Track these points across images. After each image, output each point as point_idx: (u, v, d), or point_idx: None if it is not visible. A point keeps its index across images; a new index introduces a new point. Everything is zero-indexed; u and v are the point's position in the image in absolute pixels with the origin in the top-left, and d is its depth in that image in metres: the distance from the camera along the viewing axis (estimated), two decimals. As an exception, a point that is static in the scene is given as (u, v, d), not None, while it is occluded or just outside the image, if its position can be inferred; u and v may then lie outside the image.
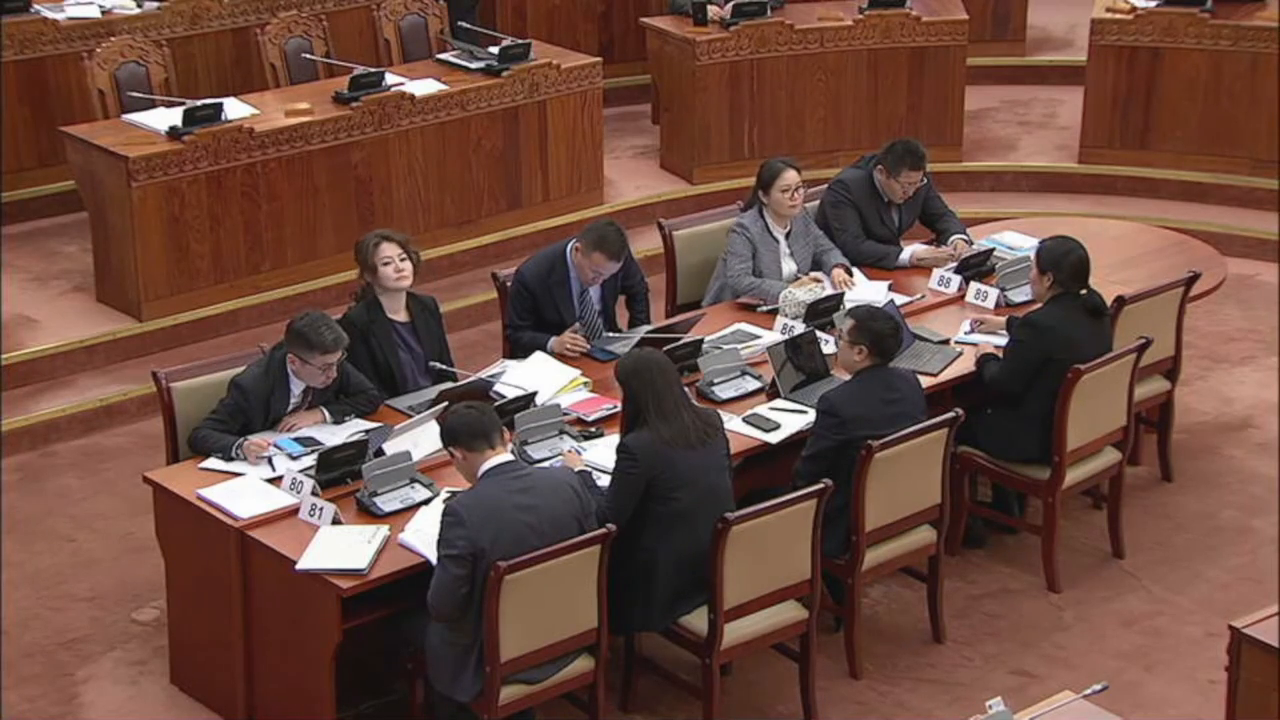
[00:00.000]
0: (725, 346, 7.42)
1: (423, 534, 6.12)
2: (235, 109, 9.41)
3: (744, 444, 6.81)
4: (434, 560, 5.89)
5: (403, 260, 7.16)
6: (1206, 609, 7.27)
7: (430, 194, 9.88)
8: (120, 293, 9.14)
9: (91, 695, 6.79)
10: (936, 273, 8.18)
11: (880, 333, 6.72)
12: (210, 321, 9.19)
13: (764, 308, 7.86)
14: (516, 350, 7.57)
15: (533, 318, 7.63)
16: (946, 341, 7.64)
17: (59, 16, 10.20)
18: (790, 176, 8.02)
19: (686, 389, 6.49)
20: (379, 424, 6.80)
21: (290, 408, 6.87)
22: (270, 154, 9.26)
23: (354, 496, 6.40)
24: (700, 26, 10.73)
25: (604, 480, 6.37)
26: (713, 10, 10.76)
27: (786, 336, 7.40)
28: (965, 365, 7.47)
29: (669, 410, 6.26)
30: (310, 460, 6.55)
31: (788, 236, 8.15)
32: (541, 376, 7.19)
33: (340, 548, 6.08)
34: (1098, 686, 5.07)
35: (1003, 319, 7.59)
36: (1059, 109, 11.84)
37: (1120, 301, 7.63)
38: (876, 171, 8.36)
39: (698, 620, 6.30)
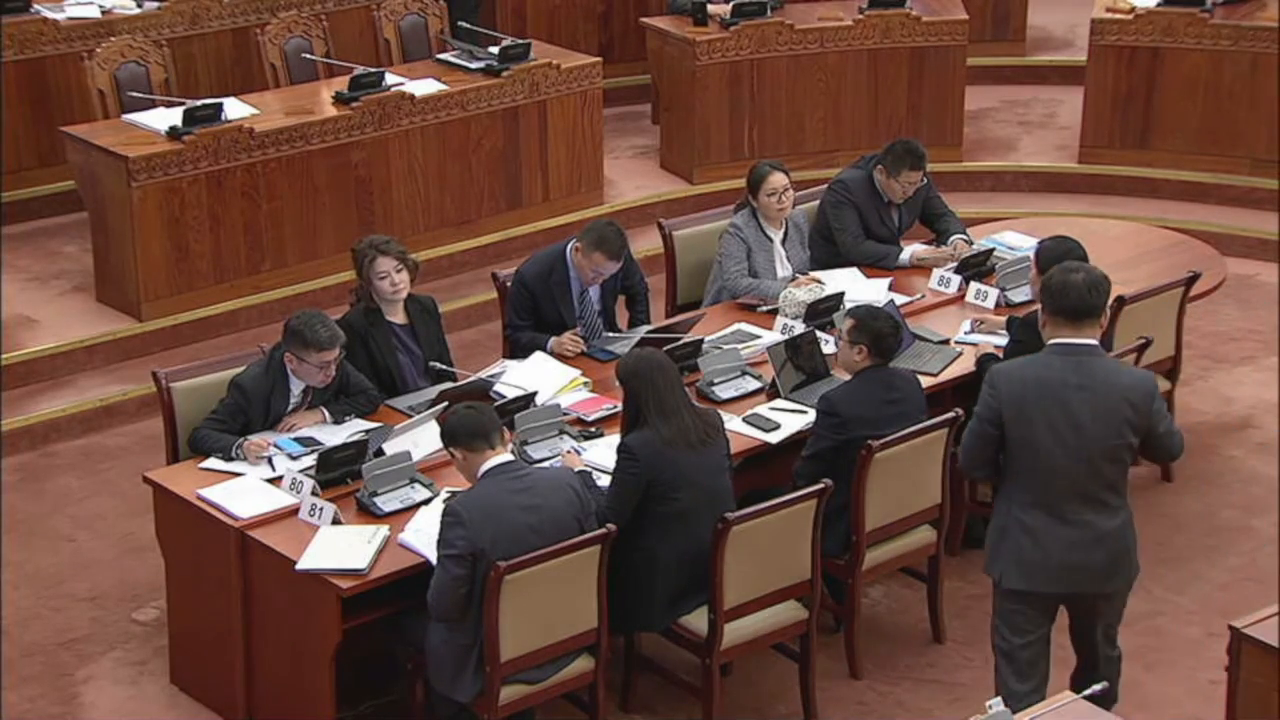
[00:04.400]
0: (725, 346, 7.42)
1: (423, 534, 6.12)
2: (235, 109, 9.42)
3: (744, 444, 6.82)
4: (434, 560, 5.90)
5: (399, 272, 7.15)
6: (1206, 609, 7.28)
7: (430, 194, 9.88)
8: (120, 293, 9.14)
9: (91, 695, 6.79)
10: (936, 273, 8.19)
11: (880, 332, 6.72)
12: (210, 321, 9.19)
13: (764, 308, 7.86)
14: (516, 350, 7.57)
15: (532, 318, 7.63)
16: (946, 341, 7.64)
17: (59, 16, 10.20)
18: (776, 180, 8.01)
19: (687, 389, 6.50)
20: (379, 424, 6.80)
21: (290, 408, 6.87)
22: (270, 154, 9.26)
23: (354, 496, 6.40)
24: (700, 26, 10.73)
25: (604, 480, 6.37)
26: (713, 9, 10.78)
27: (786, 336, 7.40)
28: (965, 365, 7.47)
29: (670, 410, 6.26)
30: (310, 460, 6.55)
31: (783, 239, 8.15)
32: (541, 376, 7.20)
33: (340, 548, 6.08)
34: (1098, 687, 5.07)
35: (1003, 319, 7.59)
36: (1059, 109, 11.85)
37: (1120, 301, 7.63)
38: (876, 171, 8.37)
39: (698, 620, 6.30)
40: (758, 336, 7.59)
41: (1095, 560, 5.85)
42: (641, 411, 6.28)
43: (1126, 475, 5.92)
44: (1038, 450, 5.78)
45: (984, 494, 7.83)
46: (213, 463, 6.65)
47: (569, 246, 7.63)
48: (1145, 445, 5.88)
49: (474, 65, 10.16)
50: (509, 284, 7.78)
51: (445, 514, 5.85)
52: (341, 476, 6.50)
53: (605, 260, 7.49)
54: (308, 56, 10.40)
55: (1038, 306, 7.38)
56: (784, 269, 8.12)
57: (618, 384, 6.50)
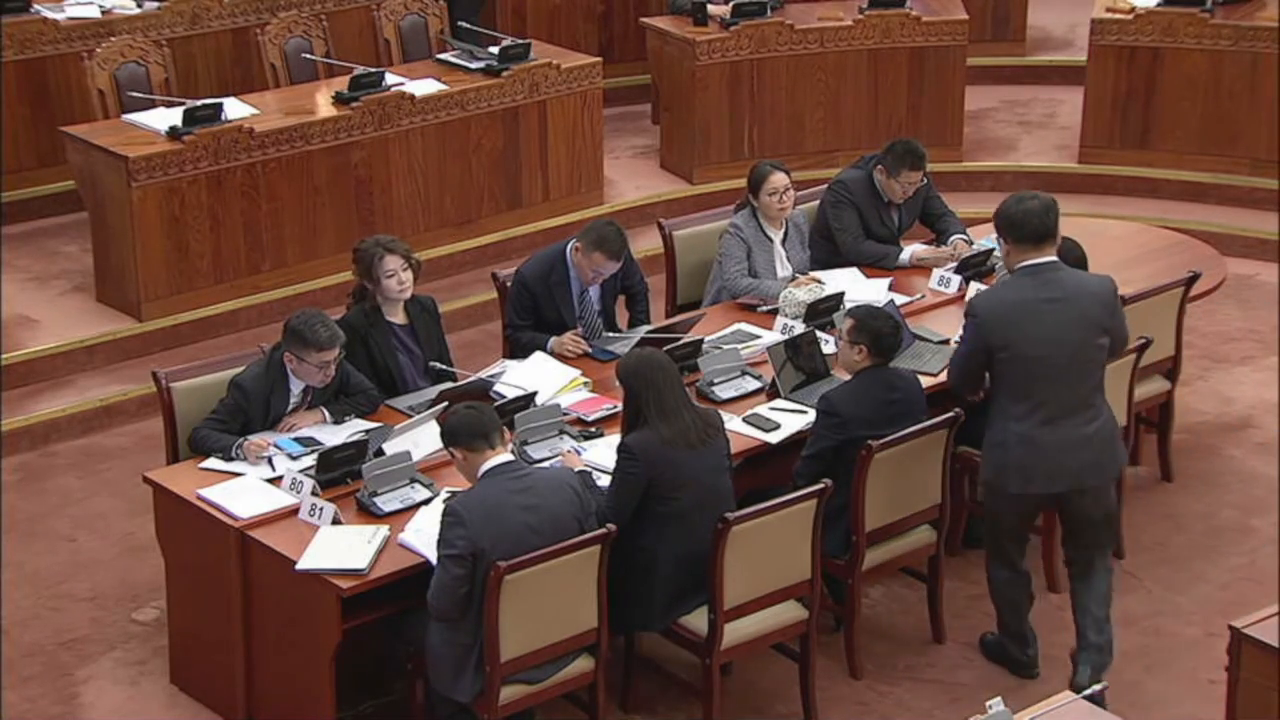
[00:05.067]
0: (725, 346, 7.42)
1: (423, 534, 6.12)
2: (235, 109, 9.42)
3: (744, 444, 6.81)
4: (434, 560, 5.90)
5: (405, 271, 7.17)
6: (1206, 609, 7.28)
7: (430, 194, 9.88)
8: (120, 293, 9.14)
9: (91, 695, 6.79)
10: (936, 273, 8.19)
11: (880, 332, 6.72)
12: (210, 321, 9.19)
13: (764, 308, 7.86)
14: (516, 350, 7.57)
15: (532, 318, 7.63)
16: (946, 341, 7.63)
17: (59, 16, 10.20)
18: (777, 179, 8.01)
19: (687, 389, 6.50)
20: (379, 424, 6.80)
21: (290, 408, 6.87)
22: (270, 154, 9.26)
23: (354, 496, 6.40)
24: (700, 26, 10.73)
25: (604, 480, 6.37)
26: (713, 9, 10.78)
27: (786, 336, 7.40)
28: (965, 365, 7.47)
29: (670, 410, 6.26)
30: (310, 460, 6.55)
31: (783, 239, 8.15)
32: (541, 376, 7.20)
33: (340, 548, 6.09)
34: (1098, 686, 5.07)
35: (1002, 319, 7.58)
36: (1059, 109, 11.85)
37: (1121, 301, 7.62)
38: (876, 171, 8.37)
39: (698, 620, 6.30)
40: (758, 336, 7.59)
41: (1085, 458, 6.43)
42: (641, 411, 6.28)
43: (1104, 375, 6.53)
44: (1025, 365, 6.35)
45: (983, 494, 7.83)
46: (213, 463, 6.65)
47: (569, 246, 7.63)
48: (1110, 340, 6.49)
49: (474, 65, 10.17)
50: (509, 284, 7.78)
51: (445, 514, 5.85)
52: (341, 476, 6.50)
53: (605, 260, 7.49)
54: (308, 56, 10.41)
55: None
56: (784, 269, 8.12)
57: (618, 384, 6.50)
